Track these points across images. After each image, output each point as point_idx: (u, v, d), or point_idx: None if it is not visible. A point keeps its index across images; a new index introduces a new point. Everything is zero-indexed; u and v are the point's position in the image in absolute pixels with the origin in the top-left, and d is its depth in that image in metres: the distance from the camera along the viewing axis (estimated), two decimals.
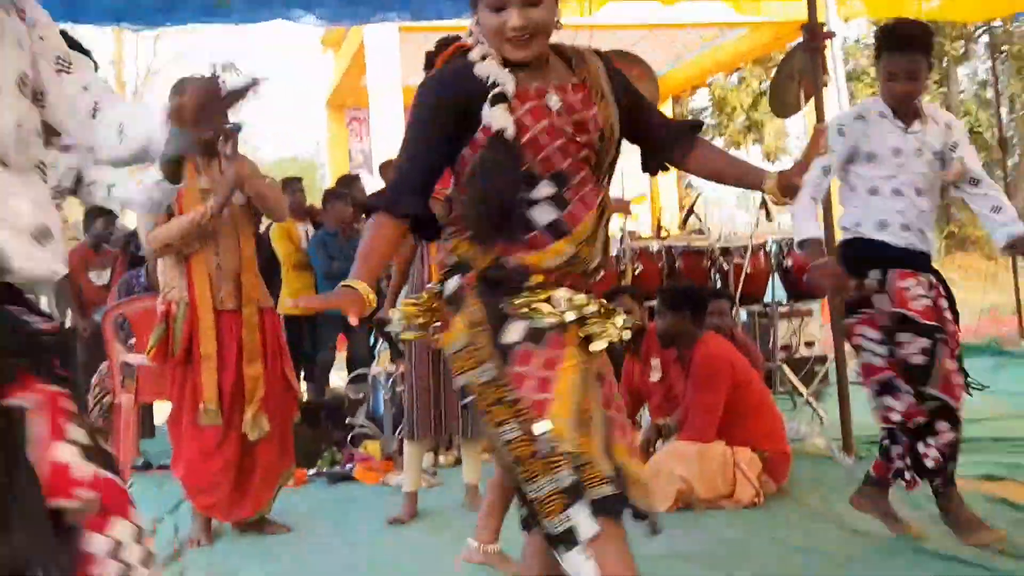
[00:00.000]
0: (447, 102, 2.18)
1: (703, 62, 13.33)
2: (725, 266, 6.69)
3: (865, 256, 3.61)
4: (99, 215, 7.34)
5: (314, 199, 8.52)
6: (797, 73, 6.66)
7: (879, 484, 3.75)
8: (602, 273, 2.32)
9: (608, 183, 2.32)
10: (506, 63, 2.17)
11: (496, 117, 2.11)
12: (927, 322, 3.51)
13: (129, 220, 7.57)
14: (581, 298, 2.18)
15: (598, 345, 2.18)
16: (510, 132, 2.11)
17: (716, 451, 4.56)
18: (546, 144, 2.15)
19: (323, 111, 15.56)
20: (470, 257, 2.19)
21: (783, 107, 7.06)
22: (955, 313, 3.68)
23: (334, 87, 14.28)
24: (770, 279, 7.14)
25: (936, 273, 3.70)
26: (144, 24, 8.69)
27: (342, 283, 2.06)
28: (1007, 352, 9.95)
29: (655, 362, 5.08)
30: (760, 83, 21.29)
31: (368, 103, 11.78)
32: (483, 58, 2.17)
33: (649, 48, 11.56)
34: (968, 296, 16.63)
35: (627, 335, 2.26)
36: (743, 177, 2.37)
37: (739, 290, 6.48)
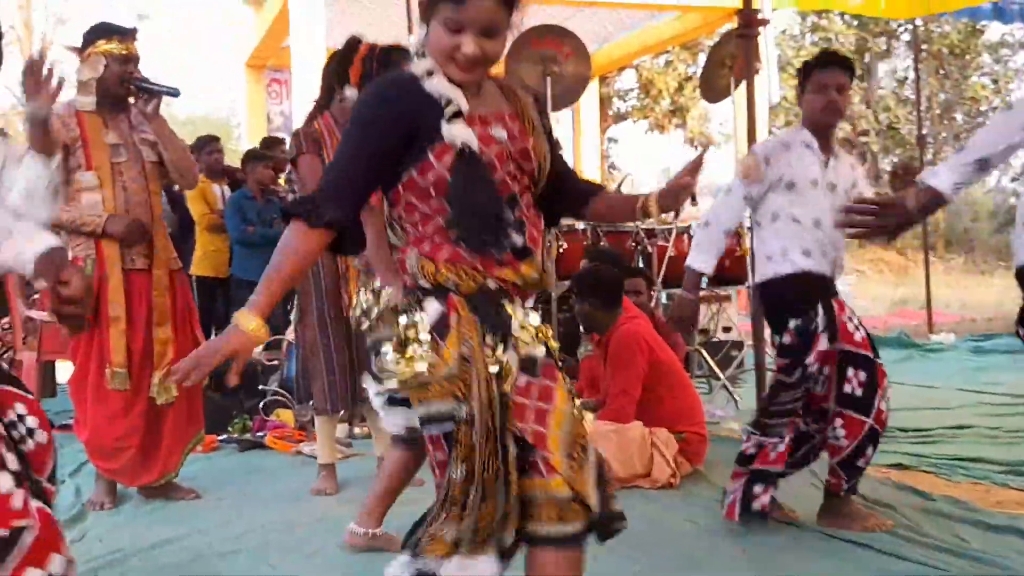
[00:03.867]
0: (392, 116, 2.09)
1: (631, 43, 13.33)
2: (649, 248, 6.69)
3: (806, 292, 3.63)
4: None
5: (228, 160, 8.30)
6: (728, 59, 6.67)
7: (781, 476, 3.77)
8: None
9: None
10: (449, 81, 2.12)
11: (459, 133, 2.07)
12: (866, 353, 3.62)
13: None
14: (535, 317, 2.19)
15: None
16: (475, 145, 2.07)
17: (634, 432, 4.57)
18: (499, 167, 2.13)
19: (241, 70, 15.19)
20: (454, 278, 2.10)
21: (713, 93, 7.07)
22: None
23: (254, 47, 13.95)
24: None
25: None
26: None
27: (235, 312, 1.97)
28: (916, 344, 10.22)
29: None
30: (687, 67, 21.43)
31: (289, 64, 11.54)
32: (430, 74, 2.10)
33: (578, 25, 11.49)
34: (879, 289, 17.10)
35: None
36: (632, 211, 2.35)
37: (662, 272, 6.49)
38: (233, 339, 1.94)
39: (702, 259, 3.74)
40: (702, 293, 7.23)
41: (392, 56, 3.55)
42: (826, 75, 3.66)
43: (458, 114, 2.08)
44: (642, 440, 4.55)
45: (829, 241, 3.66)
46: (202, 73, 48.89)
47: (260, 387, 6.16)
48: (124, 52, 4.06)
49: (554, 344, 2.22)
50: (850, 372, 3.61)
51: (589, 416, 2.22)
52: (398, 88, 2.12)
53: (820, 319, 3.57)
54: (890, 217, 2.57)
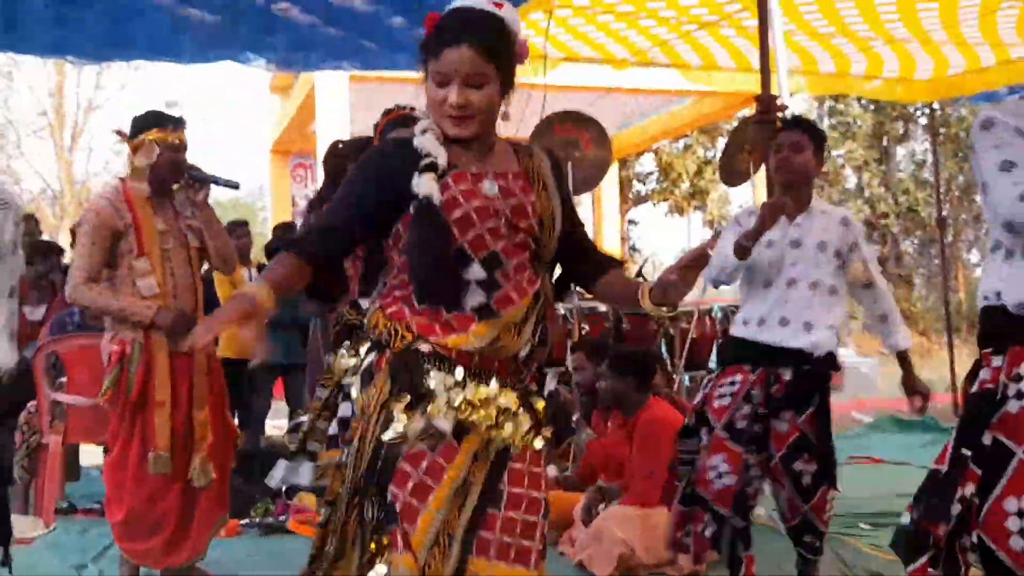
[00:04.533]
0: (382, 171, 2.18)
1: (651, 127, 13.52)
2: (671, 330, 6.71)
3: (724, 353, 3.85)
4: (44, 251, 7.18)
5: (256, 244, 8.42)
6: (748, 143, 6.75)
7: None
8: (535, 363, 2.25)
9: (550, 274, 2.30)
10: (447, 139, 2.17)
11: (422, 184, 2.09)
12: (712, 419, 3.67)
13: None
14: (487, 391, 2.13)
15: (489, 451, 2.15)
16: (436, 198, 2.08)
17: (660, 517, 4.50)
18: (476, 223, 2.12)
19: (267, 155, 15.47)
20: (387, 335, 2.14)
21: (732, 176, 7.16)
22: (804, 410, 3.67)
23: (280, 132, 14.22)
24: (715, 345, 7.16)
25: (797, 368, 3.64)
26: (90, 59, 8.60)
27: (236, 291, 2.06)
28: (943, 428, 10.08)
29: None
30: (706, 151, 21.63)
31: (314, 150, 11.74)
32: (424, 132, 2.17)
33: (599, 111, 11.68)
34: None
35: (537, 442, 2.20)
36: (633, 299, 2.28)
37: (684, 355, 6.49)
38: (240, 302, 2.03)
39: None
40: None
41: (408, 122, 3.64)
42: (782, 135, 3.75)
43: (431, 167, 2.11)
44: (667, 525, 4.49)
45: (787, 300, 3.63)
46: (228, 157, 49.74)
47: None
48: (176, 141, 4.14)
49: (521, 425, 2.16)
50: (804, 457, 3.65)
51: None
52: (393, 146, 2.22)
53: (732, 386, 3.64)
54: None
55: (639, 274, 8.05)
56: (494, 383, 2.14)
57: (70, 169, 23.86)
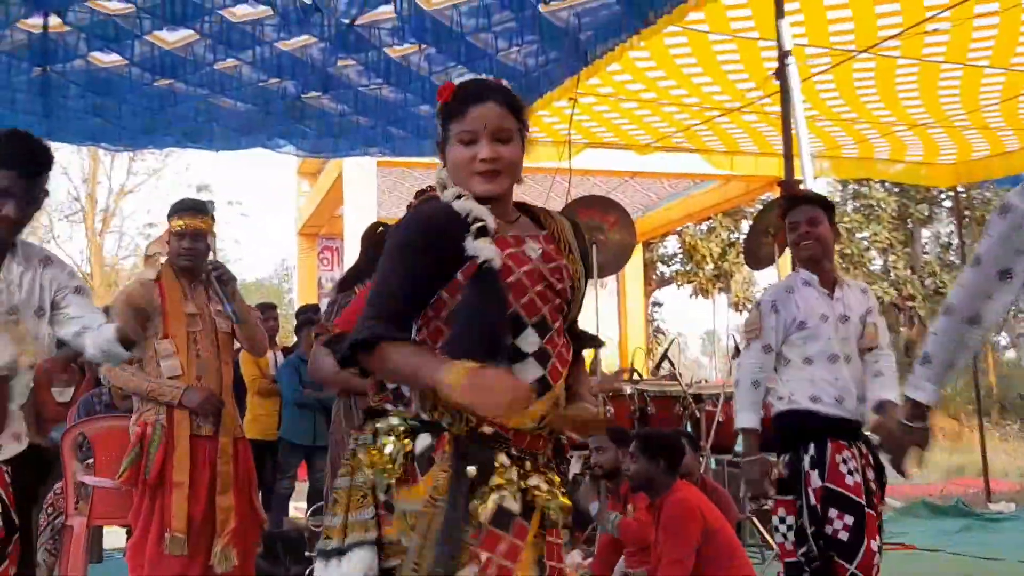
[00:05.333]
0: (431, 239, 2.09)
1: (675, 211, 13.61)
2: (697, 413, 6.67)
3: (800, 429, 3.65)
4: None
5: (282, 325, 8.49)
6: (772, 227, 6.78)
7: None
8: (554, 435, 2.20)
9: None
10: (479, 201, 2.11)
11: (481, 249, 2.04)
12: (856, 498, 3.55)
13: None
14: (536, 469, 2.10)
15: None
16: (496, 263, 2.03)
17: None
18: (528, 287, 2.09)
19: (293, 237, 15.68)
20: (449, 417, 2.06)
21: (757, 260, 7.18)
22: (883, 482, 3.69)
23: (308, 215, 14.43)
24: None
25: (866, 441, 3.70)
26: (123, 146, 8.81)
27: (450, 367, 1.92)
28: (975, 514, 9.91)
29: (629, 507, 5.01)
30: (729, 234, 21.70)
31: (341, 232, 11.89)
32: (458, 197, 2.12)
33: (623, 194, 11.82)
34: (934, 456, 16.68)
35: (561, 517, 2.14)
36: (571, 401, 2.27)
37: (711, 438, 6.44)
38: (510, 384, 1.91)
39: (746, 417, 3.74)
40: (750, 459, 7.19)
41: None
42: (795, 213, 3.77)
43: (483, 230, 2.06)
44: None
45: (849, 376, 3.65)
46: (255, 239, 50.37)
47: (307, 553, 6.10)
48: (189, 228, 4.24)
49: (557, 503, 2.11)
50: (833, 512, 3.54)
51: None
52: (432, 213, 2.13)
53: (808, 457, 3.57)
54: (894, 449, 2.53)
55: (664, 356, 8.05)
56: (539, 460, 2.11)
57: (100, 252, 24.21)
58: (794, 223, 3.76)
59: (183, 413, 4.16)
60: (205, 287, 4.32)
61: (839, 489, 3.55)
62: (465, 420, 2.04)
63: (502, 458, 2.05)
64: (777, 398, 3.77)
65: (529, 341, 2.08)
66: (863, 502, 3.56)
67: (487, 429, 2.04)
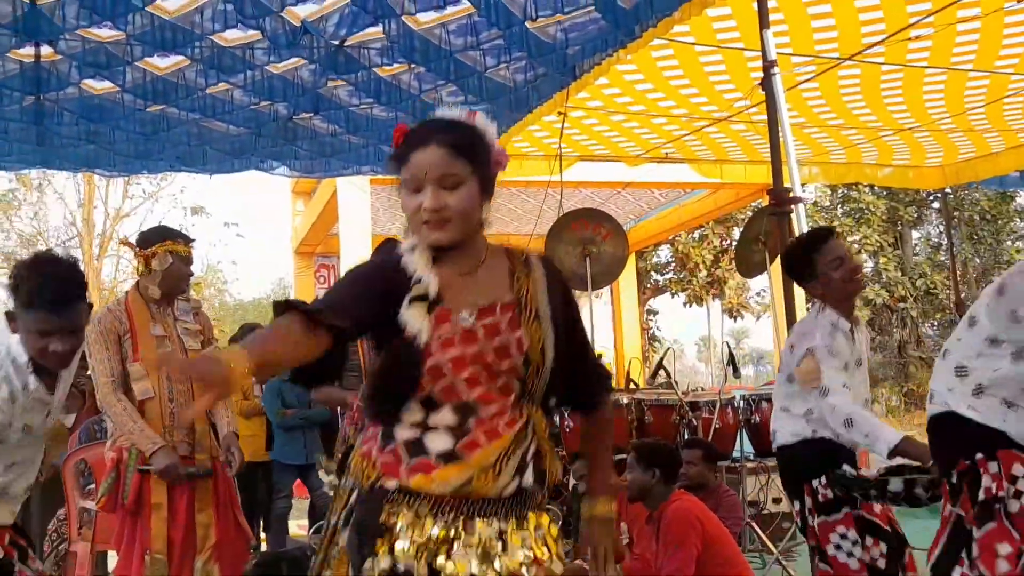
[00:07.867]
0: (378, 284, 2.06)
1: (666, 220, 13.66)
2: (693, 421, 6.70)
3: (832, 452, 3.66)
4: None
5: None
6: (763, 235, 6.84)
7: None
8: (529, 496, 2.11)
9: (549, 407, 2.16)
10: (435, 259, 2.06)
11: (411, 319, 2.00)
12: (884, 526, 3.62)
13: None
14: (463, 528, 2.02)
15: None
16: (423, 338, 1.99)
17: None
18: (449, 374, 2.01)
19: (290, 256, 15.73)
20: (358, 473, 2.08)
21: (748, 268, 7.23)
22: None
23: (303, 234, 14.46)
24: (738, 434, 7.16)
25: None
26: (118, 172, 8.85)
27: (229, 348, 1.80)
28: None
29: (623, 526, 5.03)
30: (721, 241, 21.79)
31: (336, 250, 11.90)
32: (412, 249, 2.08)
33: (615, 205, 11.87)
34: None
35: (556, 566, 2.12)
36: (587, 479, 2.36)
37: None
38: (209, 364, 1.69)
39: (888, 434, 3.46)
40: (750, 464, 7.24)
41: None
42: (833, 248, 3.74)
43: (420, 298, 2.02)
44: None
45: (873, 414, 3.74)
46: (252, 259, 50.40)
47: (309, 574, 6.11)
48: (186, 252, 4.33)
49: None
50: (868, 540, 3.59)
51: None
52: (386, 264, 2.09)
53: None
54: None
55: (660, 365, 8.10)
56: (477, 521, 2.03)
57: (98, 276, 24.18)
58: (839, 258, 3.71)
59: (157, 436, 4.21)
60: (171, 308, 4.38)
61: (868, 516, 3.62)
62: (366, 476, 2.07)
63: (410, 516, 2.01)
64: (791, 433, 3.80)
65: (442, 419, 2.03)
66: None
67: (389, 484, 2.03)
